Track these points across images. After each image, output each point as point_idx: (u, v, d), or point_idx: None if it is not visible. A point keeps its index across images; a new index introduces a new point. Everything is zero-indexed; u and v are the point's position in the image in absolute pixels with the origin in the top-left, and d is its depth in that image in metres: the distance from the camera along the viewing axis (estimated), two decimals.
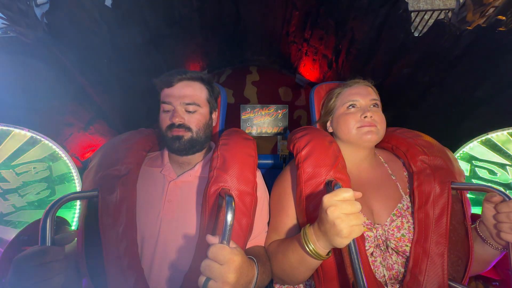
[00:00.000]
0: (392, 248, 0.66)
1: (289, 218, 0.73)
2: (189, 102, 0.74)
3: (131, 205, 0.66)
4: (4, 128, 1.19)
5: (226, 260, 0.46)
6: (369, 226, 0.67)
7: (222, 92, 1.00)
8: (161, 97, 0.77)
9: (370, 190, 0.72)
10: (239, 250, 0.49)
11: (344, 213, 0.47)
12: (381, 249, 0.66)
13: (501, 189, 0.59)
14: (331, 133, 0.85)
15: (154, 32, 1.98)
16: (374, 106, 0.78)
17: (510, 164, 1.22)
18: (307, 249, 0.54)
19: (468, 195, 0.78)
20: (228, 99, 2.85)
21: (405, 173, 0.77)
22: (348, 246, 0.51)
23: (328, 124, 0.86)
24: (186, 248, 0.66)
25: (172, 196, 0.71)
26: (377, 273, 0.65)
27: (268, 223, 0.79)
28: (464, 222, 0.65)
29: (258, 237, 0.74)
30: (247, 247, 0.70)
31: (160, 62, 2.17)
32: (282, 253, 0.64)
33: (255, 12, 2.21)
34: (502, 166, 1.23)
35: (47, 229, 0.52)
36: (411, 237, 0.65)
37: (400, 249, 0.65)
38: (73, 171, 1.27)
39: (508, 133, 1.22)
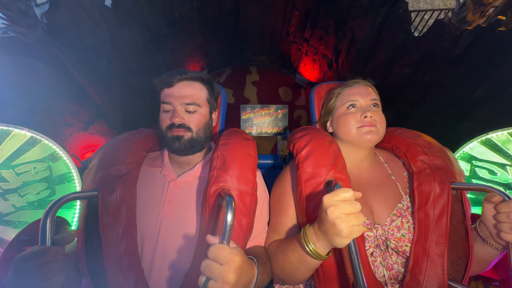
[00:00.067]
0: (392, 248, 0.66)
1: (289, 218, 0.73)
2: (189, 102, 0.75)
3: (131, 205, 0.66)
4: (4, 128, 1.19)
5: (226, 260, 0.46)
6: (369, 226, 0.67)
7: (222, 92, 1.00)
8: (161, 97, 0.77)
9: (370, 190, 0.72)
10: (239, 250, 0.49)
11: (344, 213, 0.47)
12: (381, 249, 0.66)
13: (501, 189, 0.59)
14: (331, 133, 0.85)
15: (154, 32, 1.98)
16: (374, 106, 0.78)
17: (510, 164, 1.22)
18: (307, 249, 0.54)
19: (468, 195, 0.78)
20: (228, 99, 2.85)
21: (405, 173, 0.77)
22: (348, 246, 0.51)
23: (328, 124, 0.86)
24: (186, 248, 0.66)
25: (172, 196, 0.71)
26: (377, 273, 0.65)
27: (268, 223, 0.79)
28: (464, 222, 0.65)
29: (258, 237, 0.74)
30: (247, 247, 0.70)
31: (160, 62, 2.16)
32: (282, 253, 0.64)
33: (255, 12, 2.20)
34: (502, 166, 1.23)
35: (47, 229, 0.52)
36: (411, 237, 0.65)
37: (400, 249, 0.65)
38: (73, 171, 1.27)
39: (508, 133, 1.22)
